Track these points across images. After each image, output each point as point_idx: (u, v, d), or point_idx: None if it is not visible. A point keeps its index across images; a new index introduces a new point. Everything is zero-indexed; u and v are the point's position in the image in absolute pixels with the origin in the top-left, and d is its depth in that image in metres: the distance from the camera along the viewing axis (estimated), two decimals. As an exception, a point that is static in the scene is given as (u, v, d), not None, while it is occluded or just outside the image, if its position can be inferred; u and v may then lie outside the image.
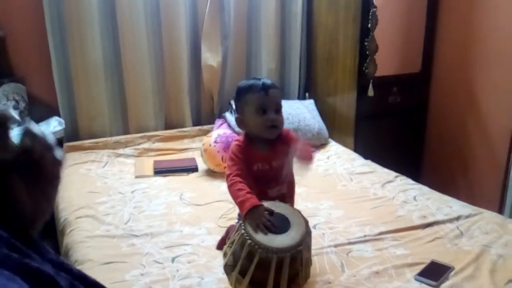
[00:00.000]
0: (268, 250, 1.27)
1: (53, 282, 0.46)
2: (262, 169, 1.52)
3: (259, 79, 1.56)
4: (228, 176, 1.48)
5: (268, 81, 1.56)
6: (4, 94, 2.46)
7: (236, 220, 1.65)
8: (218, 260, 1.61)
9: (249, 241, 1.29)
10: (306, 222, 1.40)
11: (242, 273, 1.32)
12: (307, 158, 1.49)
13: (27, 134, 0.57)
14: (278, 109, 1.52)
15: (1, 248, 0.43)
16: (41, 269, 0.46)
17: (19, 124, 0.58)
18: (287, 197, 1.59)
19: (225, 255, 1.39)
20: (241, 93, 1.55)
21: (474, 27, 2.79)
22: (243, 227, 1.33)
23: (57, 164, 0.59)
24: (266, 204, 1.41)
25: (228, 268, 1.37)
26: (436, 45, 3.05)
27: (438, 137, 3.12)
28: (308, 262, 1.40)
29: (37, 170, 0.57)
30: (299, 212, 1.44)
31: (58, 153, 0.59)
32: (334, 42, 2.91)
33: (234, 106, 1.63)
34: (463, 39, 2.86)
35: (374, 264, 1.59)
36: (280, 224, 1.35)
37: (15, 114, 0.57)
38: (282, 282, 1.29)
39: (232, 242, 1.37)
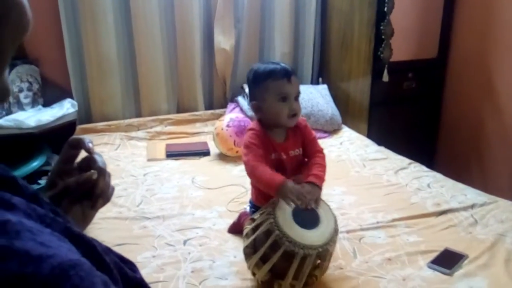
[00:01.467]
0: (296, 244, 1.25)
1: (92, 246, 0.48)
2: (279, 158, 1.49)
3: (278, 64, 1.50)
4: (247, 162, 1.44)
5: (288, 67, 1.49)
6: (17, 76, 2.47)
7: (248, 205, 1.64)
8: (230, 244, 1.62)
9: (277, 232, 1.27)
10: (335, 218, 1.37)
11: (263, 260, 1.31)
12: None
13: (98, 167, 0.70)
14: (297, 96, 1.49)
15: (47, 212, 0.45)
16: (82, 234, 0.49)
17: (91, 153, 0.72)
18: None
19: (246, 236, 1.37)
20: (259, 78, 1.48)
21: (494, 13, 2.72)
22: (272, 216, 1.30)
23: (108, 189, 0.72)
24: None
25: (248, 251, 1.36)
26: (454, 31, 2.98)
27: (453, 124, 3.07)
28: (330, 258, 1.38)
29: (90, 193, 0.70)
30: (328, 206, 1.42)
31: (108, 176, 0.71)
32: (349, 26, 2.86)
33: (247, 91, 1.56)
34: (482, 25, 2.79)
35: (386, 250, 1.57)
36: (309, 218, 1.33)
37: (89, 142, 0.73)
38: (301, 276, 1.28)
39: (257, 226, 1.34)
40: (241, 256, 1.53)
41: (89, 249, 0.48)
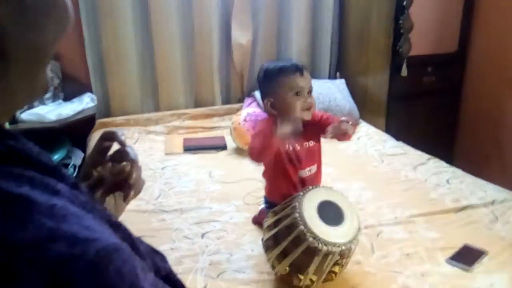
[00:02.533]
0: (320, 241, 1.24)
1: (128, 234, 0.52)
2: (294, 149, 1.50)
3: (288, 61, 1.52)
4: (249, 146, 1.47)
5: (298, 63, 1.51)
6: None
7: (263, 201, 1.65)
8: (247, 237, 1.63)
9: (301, 227, 1.26)
10: (358, 217, 1.36)
11: (284, 253, 1.30)
12: (345, 138, 1.46)
13: (130, 159, 0.73)
14: (310, 91, 1.49)
15: (88, 200, 0.48)
16: (119, 222, 0.52)
17: (123, 145, 0.75)
18: (316, 178, 1.57)
19: (268, 229, 1.37)
20: (271, 75, 1.49)
21: (516, 4, 2.66)
22: (297, 211, 1.29)
23: (140, 181, 0.74)
24: (322, 190, 1.38)
25: (269, 244, 1.35)
26: (474, 24, 2.93)
27: (473, 120, 3.03)
28: (351, 255, 1.38)
29: (122, 185, 0.73)
30: (351, 203, 1.40)
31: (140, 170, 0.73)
32: (367, 20, 2.83)
33: (260, 90, 1.56)
34: (503, 19, 2.74)
35: (405, 246, 1.56)
36: (334, 215, 1.32)
37: (121, 135, 0.75)
38: (322, 272, 1.28)
39: (279, 220, 1.34)
40: (258, 249, 1.55)
41: (126, 237, 0.50)
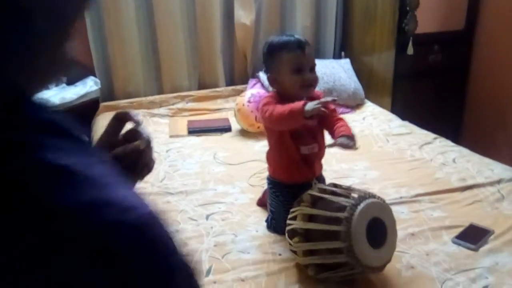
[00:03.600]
0: (358, 263, 1.20)
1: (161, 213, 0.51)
2: (296, 127, 1.48)
3: (292, 36, 1.50)
4: (270, 114, 1.42)
5: (302, 38, 1.50)
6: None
7: (266, 182, 1.64)
8: (252, 218, 1.63)
9: (347, 243, 1.19)
10: (396, 241, 1.33)
11: (313, 252, 1.28)
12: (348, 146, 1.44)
13: (144, 138, 0.73)
14: (312, 67, 1.48)
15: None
16: (143, 194, 0.52)
17: (137, 123, 0.76)
18: (318, 157, 1.56)
19: (301, 217, 1.32)
20: (274, 51, 1.49)
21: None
22: (348, 225, 1.21)
23: (152, 160, 0.75)
24: (376, 205, 1.29)
25: (297, 232, 1.31)
26: (482, 1, 2.87)
27: (480, 98, 2.99)
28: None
29: (135, 164, 0.73)
30: (395, 222, 1.34)
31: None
32: (373, -3, 2.78)
33: (264, 64, 1.57)
34: (512, -6, 2.68)
35: (409, 225, 1.56)
36: (378, 235, 1.26)
37: (135, 115, 0.76)
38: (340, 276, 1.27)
39: (317, 216, 1.30)
40: (263, 230, 1.55)
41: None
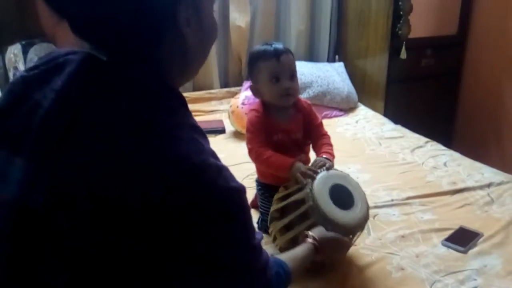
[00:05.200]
0: (326, 220, 1.24)
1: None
2: (282, 139, 1.49)
3: (271, 45, 1.49)
4: (251, 150, 1.46)
5: (280, 46, 1.48)
6: (36, 54, 2.49)
7: (255, 184, 1.66)
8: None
9: (311, 203, 1.26)
10: (368, 206, 1.36)
11: (287, 227, 1.32)
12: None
13: None
14: (292, 75, 1.46)
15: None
16: None
17: None
18: (305, 164, 1.58)
19: (277, 201, 1.38)
20: (253, 61, 1.49)
21: (517, -14, 2.64)
22: (310, 187, 1.29)
23: None
24: (338, 174, 1.37)
25: (275, 216, 1.36)
26: (474, 7, 2.90)
27: (472, 103, 3.02)
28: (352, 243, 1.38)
29: None
30: (364, 194, 1.39)
31: None
32: (367, 2, 2.81)
33: (248, 74, 1.58)
34: (503, 2, 2.72)
35: (400, 228, 1.58)
36: (345, 200, 1.31)
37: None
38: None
39: (289, 194, 1.35)
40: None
41: None
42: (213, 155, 0.66)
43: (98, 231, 0.57)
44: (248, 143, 1.48)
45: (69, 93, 0.61)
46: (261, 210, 1.58)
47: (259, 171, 1.60)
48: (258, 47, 1.52)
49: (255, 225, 1.59)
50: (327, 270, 1.35)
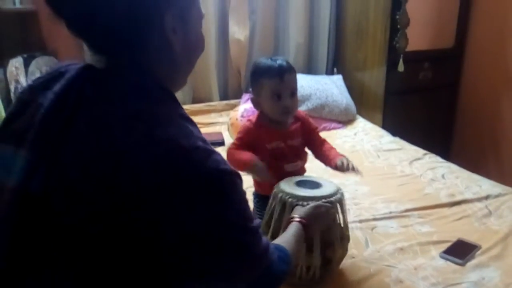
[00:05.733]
0: (299, 198, 1.28)
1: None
2: (278, 146, 1.52)
3: (275, 61, 1.52)
4: (227, 150, 1.50)
5: (284, 64, 1.52)
6: (37, 68, 2.52)
7: (252, 197, 1.67)
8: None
9: (280, 194, 1.31)
10: (339, 187, 1.40)
11: (274, 236, 1.32)
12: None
13: None
14: (293, 93, 1.51)
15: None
16: None
17: None
18: (301, 172, 1.60)
19: (264, 218, 1.42)
20: (257, 75, 1.53)
21: (513, 0, 2.67)
22: (275, 189, 1.35)
23: None
24: (298, 176, 1.45)
25: (264, 230, 1.38)
26: (471, 20, 2.94)
27: (470, 115, 3.04)
28: (344, 229, 1.39)
29: None
30: (329, 180, 1.45)
31: None
32: (364, 15, 2.84)
33: (250, 85, 1.61)
34: (500, 14, 2.75)
35: (398, 240, 1.58)
36: (312, 186, 1.37)
37: None
38: (314, 246, 1.29)
39: (268, 213, 1.39)
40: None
41: None
42: (203, 140, 0.68)
43: (93, 211, 0.61)
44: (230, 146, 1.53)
45: (67, 94, 0.68)
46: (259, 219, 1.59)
47: (256, 182, 1.62)
48: (263, 61, 1.55)
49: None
50: (324, 282, 1.35)
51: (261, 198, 1.58)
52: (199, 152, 0.65)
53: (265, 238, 0.79)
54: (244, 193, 0.73)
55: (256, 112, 1.60)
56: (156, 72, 0.72)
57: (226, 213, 0.67)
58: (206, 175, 0.64)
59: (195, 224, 0.63)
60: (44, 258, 0.63)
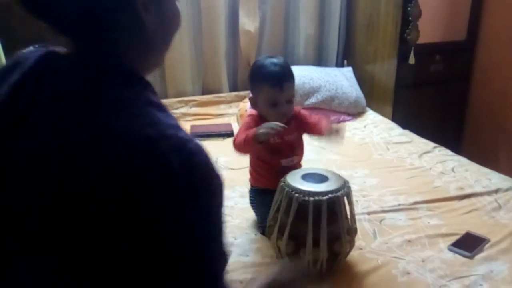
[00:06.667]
0: (305, 193, 1.30)
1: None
2: (275, 142, 1.56)
3: (276, 64, 1.54)
4: (234, 141, 1.53)
5: (284, 70, 1.54)
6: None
7: (249, 193, 1.70)
8: (251, 222, 1.66)
9: (286, 189, 1.33)
10: (345, 180, 1.41)
11: (281, 230, 1.35)
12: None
13: None
14: (290, 100, 1.54)
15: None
16: None
17: None
18: (297, 166, 1.62)
19: (268, 219, 1.44)
20: (256, 78, 1.56)
21: (527, -8, 2.63)
22: (282, 181, 1.37)
23: None
24: (304, 169, 1.47)
25: (270, 229, 1.41)
26: (483, 12, 2.90)
27: (481, 109, 3.01)
28: (352, 222, 1.40)
29: None
30: (335, 172, 1.47)
31: None
32: (375, 7, 2.82)
33: (249, 83, 1.64)
34: (514, 6, 2.71)
35: (407, 232, 1.58)
36: (318, 179, 1.38)
37: None
38: (321, 240, 1.29)
39: (274, 207, 1.40)
40: (261, 234, 1.58)
41: None
42: (176, 127, 0.58)
43: (44, 214, 0.56)
44: (236, 136, 1.56)
45: (23, 85, 0.61)
46: (257, 214, 1.63)
47: (253, 177, 1.67)
48: (264, 63, 1.57)
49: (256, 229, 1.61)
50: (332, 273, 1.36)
51: (258, 192, 1.61)
52: (170, 141, 0.55)
53: (227, 271, 0.65)
54: (222, 200, 0.61)
55: None
56: (126, 54, 0.64)
57: (191, 218, 0.55)
58: (175, 170, 0.53)
59: (154, 237, 0.53)
60: (5, 257, 0.59)
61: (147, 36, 0.65)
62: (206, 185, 0.57)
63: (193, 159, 0.56)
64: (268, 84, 1.51)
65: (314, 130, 1.59)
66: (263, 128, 1.42)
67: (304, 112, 1.66)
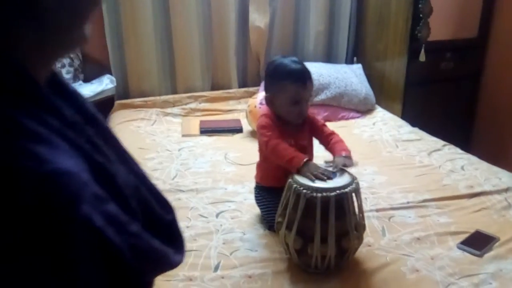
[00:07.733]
0: (313, 189, 1.31)
1: (111, 175, 0.47)
2: (290, 144, 1.54)
3: (299, 64, 1.54)
4: (268, 141, 1.49)
5: (306, 68, 1.54)
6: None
7: (254, 191, 1.70)
8: (260, 218, 1.66)
9: (294, 185, 1.34)
10: (354, 177, 1.41)
11: (290, 226, 1.35)
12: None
13: None
14: (308, 99, 1.55)
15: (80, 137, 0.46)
16: (105, 163, 0.48)
17: None
18: None
19: (277, 215, 1.44)
20: (278, 76, 1.54)
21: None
22: (291, 177, 1.38)
23: None
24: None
25: (278, 226, 1.42)
26: (495, 10, 2.87)
27: (491, 107, 2.99)
28: (360, 219, 1.40)
29: None
30: (344, 170, 1.46)
31: None
32: (386, 3, 2.80)
33: (264, 82, 1.63)
34: (527, 3, 2.69)
35: (415, 230, 1.58)
36: (327, 175, 1.39)
37: None
38: (329, 235, 1.30)
39: (283, 203, 1.41)
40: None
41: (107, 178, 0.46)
42: (34, 136, 0.40)
43: None
44: (264, 137, 1.52)
45: None
46: (262, 211, 1.64)
47: (259, 172, 1.66)
48: (283, 62, 1.56)
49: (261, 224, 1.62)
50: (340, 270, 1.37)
51: (263, 189, 1.62)
52: (22, 158, 0.38)
53: None
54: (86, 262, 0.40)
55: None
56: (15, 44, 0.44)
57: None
58: (21, 202, 0.37)
59: None
60: None
61: (41, 18, 0.46)
62: (70, 220, 0.38)
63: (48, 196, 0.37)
64: (292, 81, 1.50)
65: (326, 146, 1.58)
66: (309, 172, 1.38)
67: (316, 118, 1.66)
